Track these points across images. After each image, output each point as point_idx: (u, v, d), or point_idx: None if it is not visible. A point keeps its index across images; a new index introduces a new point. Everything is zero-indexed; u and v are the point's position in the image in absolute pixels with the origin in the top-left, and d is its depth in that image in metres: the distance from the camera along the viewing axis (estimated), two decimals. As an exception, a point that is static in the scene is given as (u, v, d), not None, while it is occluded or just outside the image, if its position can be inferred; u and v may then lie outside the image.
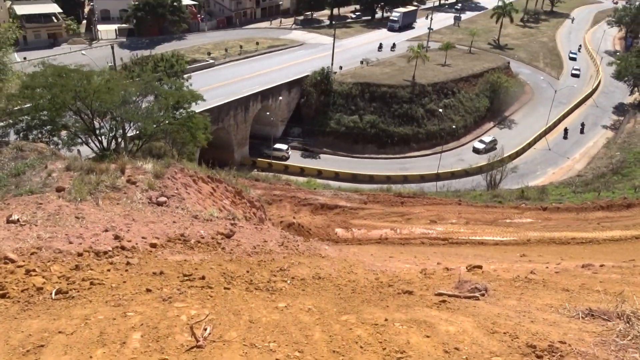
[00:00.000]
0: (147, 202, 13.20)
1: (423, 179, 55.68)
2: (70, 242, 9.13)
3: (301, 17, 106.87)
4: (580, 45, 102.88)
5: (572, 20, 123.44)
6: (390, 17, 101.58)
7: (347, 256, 13.35)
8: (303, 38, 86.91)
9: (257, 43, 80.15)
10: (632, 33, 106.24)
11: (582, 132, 69.90)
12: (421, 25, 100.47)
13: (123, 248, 9.27)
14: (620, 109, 77.58)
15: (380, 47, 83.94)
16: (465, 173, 57.22)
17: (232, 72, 64.97)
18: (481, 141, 64.83)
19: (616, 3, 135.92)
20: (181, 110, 28.94)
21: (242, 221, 14.91)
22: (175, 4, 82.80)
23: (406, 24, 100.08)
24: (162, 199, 13.53)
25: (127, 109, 25.60)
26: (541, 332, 5.24)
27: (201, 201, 16.54)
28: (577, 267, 14.26)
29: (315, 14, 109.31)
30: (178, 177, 16.19)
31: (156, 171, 14.90)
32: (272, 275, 8.59)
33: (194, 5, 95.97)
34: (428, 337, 5.08)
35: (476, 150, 63.37)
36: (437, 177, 55.70)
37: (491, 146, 63.01)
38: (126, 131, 26.94)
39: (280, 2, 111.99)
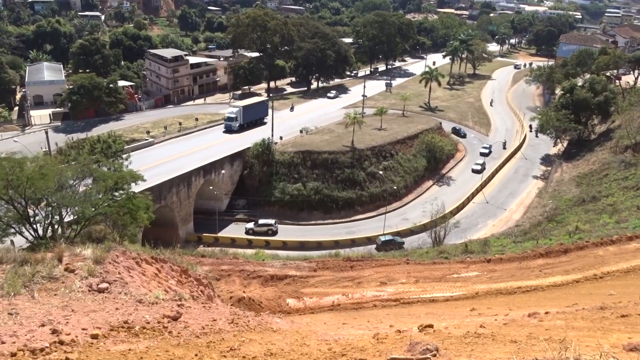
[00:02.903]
0: (87, 290, 12.61)
1: (370, 241, 56.18)
2: (3, 342, 8.56)
3: (239, 92, 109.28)
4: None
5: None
6: (226, 114, 76.80)
7: (300, 327, 13.12)
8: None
9: (197, 119, 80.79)
10: (549, 90, 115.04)
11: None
12: (355, 93, 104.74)
13: (61, 342, 8.75)
14: (547, 160, 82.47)
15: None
16: (411, 232, 58.28)
17: (173, 149, 64.80)
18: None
19: (518, 68, 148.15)
20: (121, 191, 28.36)
21: (190, 301, 14.45)
22: (111, 85, 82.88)
23: (251, 120, 76.60)
24: (104, 285, 12.99)
25: (64, 194, 24.83)
26: (491, 387, 5.32)
27: (145, 284, 15.97)
28: (524, 317, 14.60)
29: (253, 88, 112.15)
30: (120, 261, 15.65)
31: (96, 256, 14.36)
32: (222, 356, 8.34)
33: (131, 85, 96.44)
34: (383, 405, 5.06)
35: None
36: (384, 238, 56.37)
37: (264, 230, 58.43)
38: (63, 217, 25.99)
39: (218, 79, 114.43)
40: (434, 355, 6.98)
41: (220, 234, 57.21)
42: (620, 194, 56.49)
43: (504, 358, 6.70)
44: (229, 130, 74.03)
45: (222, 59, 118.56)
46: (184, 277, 19.71)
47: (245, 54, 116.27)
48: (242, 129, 74.72)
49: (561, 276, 30.22)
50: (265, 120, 78.71)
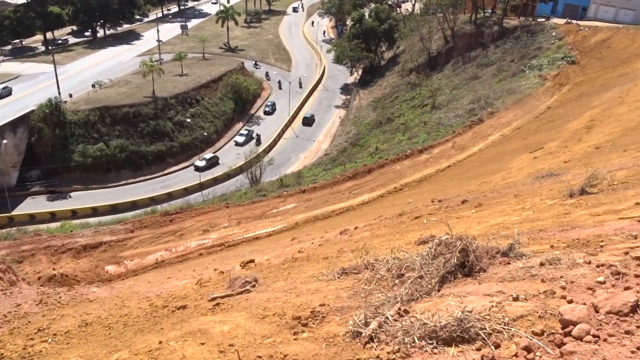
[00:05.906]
0: None
1: (187, 191, 55.12)
2: None
3: (9, 47, 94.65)
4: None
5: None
6: None
7: (120, 292, 12.55)
8: (17, 70, 77.09)
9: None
10: (341, 22, 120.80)
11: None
12: (149, 39, 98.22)
13: None
14: (345, 89, 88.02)
15: None
16: (228, 176, 58.42)
17: None
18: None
19: (296, 11, 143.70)
20: None
21: (-16, 291, 12.73)
22: None
23: None
24: None
25: None
26: (305, 302, 5.67)
27: None
28: (337, 235, 15.85)
29: (26, 41, 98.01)
30: None
31: None
32: (28, 339, 7.58)
33: None
34: (203, 344, 5.06)
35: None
36: (201, 186, 55.68)
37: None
38: None
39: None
40: (253, 286, 7.18)
41: (14, 213, 50.67)
42: (409, 113, 63.34)
43: (316, 274, 7.17)
44: None
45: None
46: (-27, 267, 17.25)
47: (9, 1, 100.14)
48: None
49: (368, 194, 33.36)
50: None
